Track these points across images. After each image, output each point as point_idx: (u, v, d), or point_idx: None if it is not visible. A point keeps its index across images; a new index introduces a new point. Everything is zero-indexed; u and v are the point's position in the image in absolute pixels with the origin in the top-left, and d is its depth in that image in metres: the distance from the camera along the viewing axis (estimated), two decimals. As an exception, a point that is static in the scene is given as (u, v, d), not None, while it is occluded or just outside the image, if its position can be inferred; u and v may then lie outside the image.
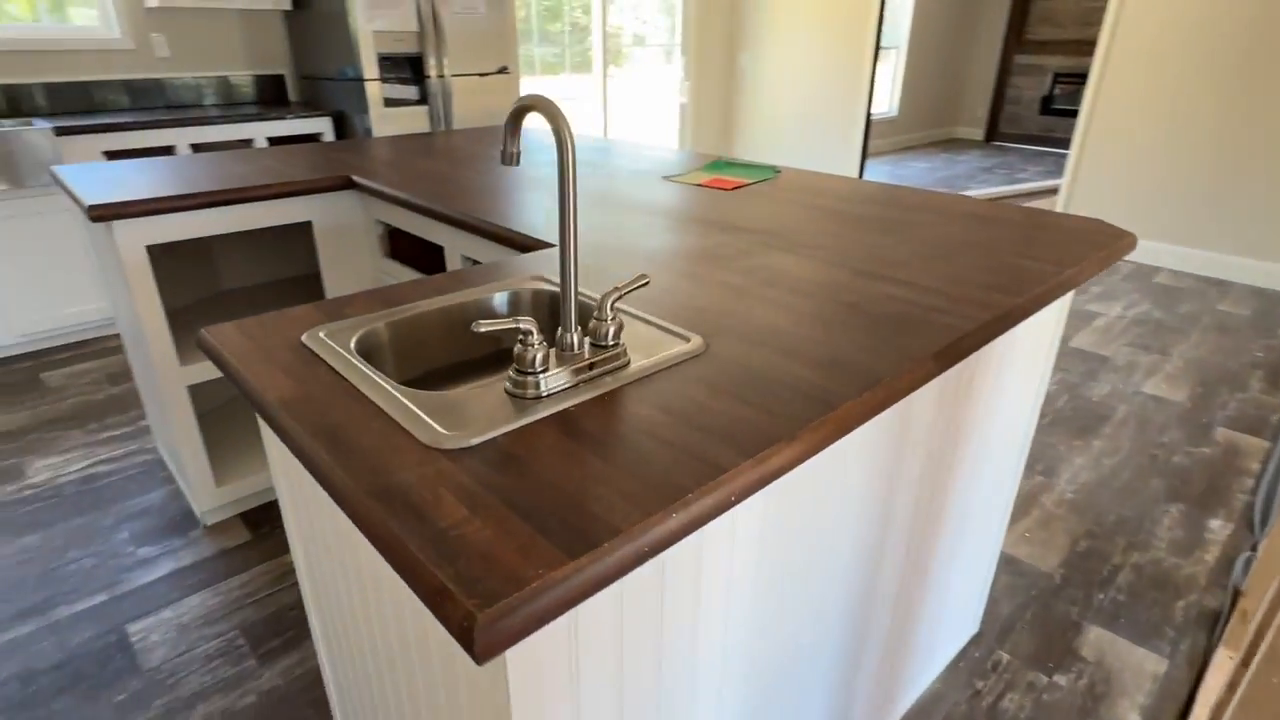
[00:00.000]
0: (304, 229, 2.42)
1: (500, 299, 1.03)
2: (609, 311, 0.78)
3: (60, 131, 2.84)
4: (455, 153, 2.17)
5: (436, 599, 0.48)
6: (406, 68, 3.46)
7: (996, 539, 1.53)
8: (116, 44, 3.34)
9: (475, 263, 1.47)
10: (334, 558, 0.87)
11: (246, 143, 3.39)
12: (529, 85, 4.99)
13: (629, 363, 0.80)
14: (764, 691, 0.92)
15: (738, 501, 0.62)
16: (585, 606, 0.59)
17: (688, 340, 0.86)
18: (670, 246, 1.26)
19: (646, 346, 0.85)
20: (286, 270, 2.42)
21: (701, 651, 0.76)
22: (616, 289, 0.80)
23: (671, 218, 1.46)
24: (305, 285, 2.34)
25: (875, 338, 0.87)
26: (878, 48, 5.38)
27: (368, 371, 0.77)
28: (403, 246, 1.96)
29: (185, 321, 2.07)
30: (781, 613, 0.88)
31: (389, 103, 3.43)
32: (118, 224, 1.57)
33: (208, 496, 1.92)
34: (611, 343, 0.79)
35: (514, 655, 0.53)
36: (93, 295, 3.08)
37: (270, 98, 3.84)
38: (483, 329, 0.68)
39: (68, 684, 1.49)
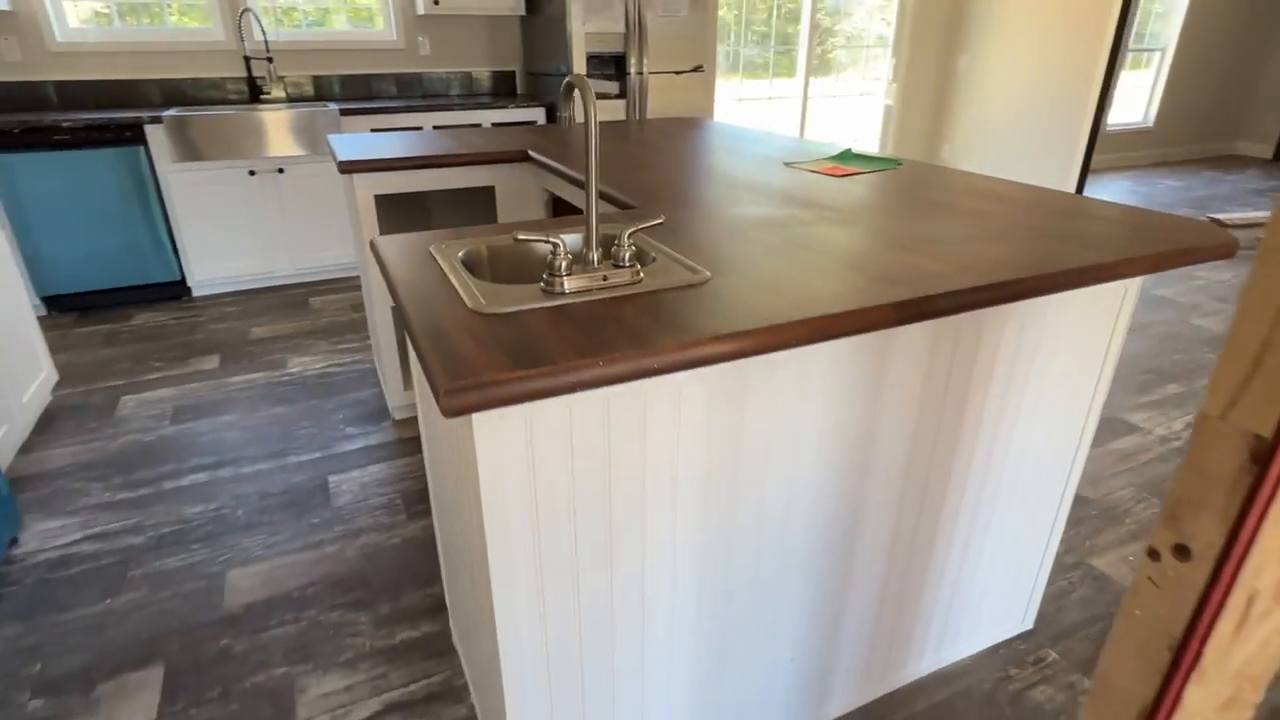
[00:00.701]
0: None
1: (573, 238, 1.32)
2: (626, 241, 1.04)
3: (344, 113, 3.65)
4: (621, 138, 2.51)
5: (431, 376, 0.78)
6: (611, 65, 3.90)
7: (1045, 538, 1.54)
8: (392, 45, 4.16)
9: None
10: (437, 444, 1.23)
11: (475, 126, 4.04)
12: (728, 85, 5.26)
13: (640, 281, 1.05)
14: (723, 576, 1.13)
15: (660, 371, 0.85)
16: (537, 408, 0.86)
17: (697, 274, 1.09)
18: (744, 214, 1.46)
19: (665, 274, 1.09)
20: (479, 223, 2.94)
21: (650, 497, 1.00)
22: (637, 226, 1.05)
23: (761, 193, 1.65)
24: (493, 243, 2.84)
25: (855, 289, 1.03)
26: (1117, 50, 4.90)
27: (453, 266, 1.10)
28: (563, 210, 2.33)
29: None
30: (734, 505, 1.08)
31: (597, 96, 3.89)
32: (356, 176, 2.11)
33: (398, 397, 2.45)
34: (627, 264, 1.04)
35: (479, 420, 0.82)
36: (349, 243, 3.90)
37: (502, 90, 4.51)
38: (519, 238, 0.97)
39: (285, 505, 2.06)
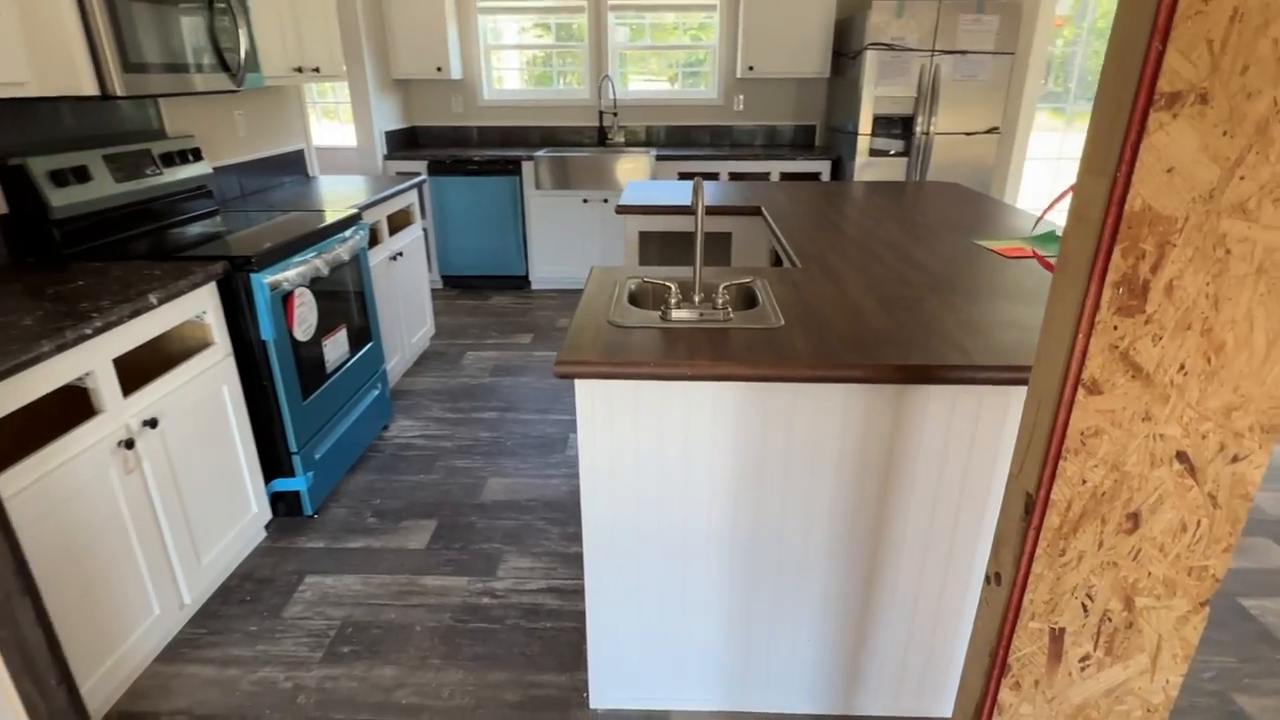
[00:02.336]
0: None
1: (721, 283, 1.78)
2: (721, 290, 1.50)
3: (659, 158, 4.50)
4: (858, 203, 2.85)
5: (561, 351, 1.35)
6: (898, 125, 4.14)
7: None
8: (712, 101, 4.93)
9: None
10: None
11: (765, 175, 4.60)
12: (1039, 141, 5.01)
13: (729, 320, 1.49)
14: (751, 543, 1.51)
15: (694, 378, 1.30)
16: (614, 384, 1.37)
17: (775, 322, 1.49)
18: (875, 275, 1.78)
19: (753, 318, 1.52)
20: (722, 261, 3.48)
21: (691, 468, 1.44)
22: (731, 282, 1.50)
23: (909, 263, 1.91)
24: (738, 277, 3.36)
25: (875, 351, 1.34)
26: None
27: (619, 292, 1.66)
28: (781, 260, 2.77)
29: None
30: (760, 497, 1.46)
31: (874, 153, 4.19)
32: (628, 217, 2.81)
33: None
34: (719, 307, 1.50)
35: (579, 384, 1.37)
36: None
37: (801, 142, 5.01)
38: (645, 280, 1.50)
39: (537, 445, 2.85)
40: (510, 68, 5.05)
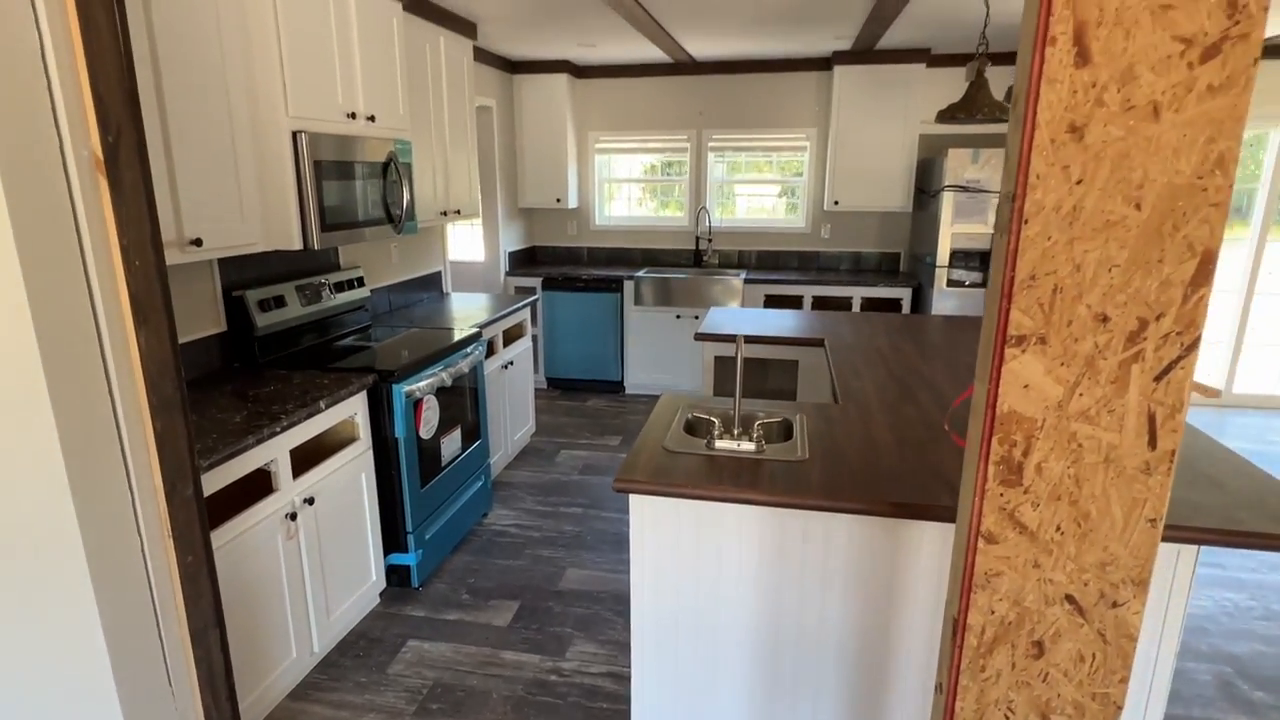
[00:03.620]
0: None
1: (759, 415, 2.10)
2: (755, 428, 1.82)
3: (746, 281, 4.92)
4: (916, 339, 3.11)
5: (618, 474, 1.71)
6: (975, 258, 4.37)
7: None
8: (800, 230, 5.35)
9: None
10: (662, 495, 2.14)
11: (847, 300, 4.91)
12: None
13: (762, 451, 1.81)
14: (775, 647, 1.75)
15: (723, 500, 1.62)
16: (660, 500, 1.70)
17: (803, 455, 1.79)
18: (903, 416, 2.04)
19: (783, 450, 1.82)
20: (787, 385, 3.77)
21: (722, 576, 1.73)
22: (764, 419, 1.82)
23: (942, 406, 2.15)
24: (787, 397, 3.64)
25: (882, 488, 1.61)
26: None
27: (675, 419, 2.01)
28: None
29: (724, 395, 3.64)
30: (779, 604, 1.71)
31: (951, 283, 4.42)
32: (704, 344, 3.20)
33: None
34: (753, 440, 1.82)
35: (634, 499, 1.71)
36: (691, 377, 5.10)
37: (884, 268, 5.30)
38: (691, 414, 1.85)
39: (613, 541, 3.17)
40: (619, 197, 5.73)
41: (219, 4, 2.13)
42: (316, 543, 2.28)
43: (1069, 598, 1.08)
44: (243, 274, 2.68)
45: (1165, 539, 1.44)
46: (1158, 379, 0.97)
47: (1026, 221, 0.95)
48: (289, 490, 2.14)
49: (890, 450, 1.82)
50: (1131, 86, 0.89)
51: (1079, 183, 0.93)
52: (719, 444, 1.84)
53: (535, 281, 5.21)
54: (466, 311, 3.71)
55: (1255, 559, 3.03)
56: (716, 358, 3.28)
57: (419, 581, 2.79)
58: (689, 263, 5.56)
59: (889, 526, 1.63)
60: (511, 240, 5.39)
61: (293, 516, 2.14)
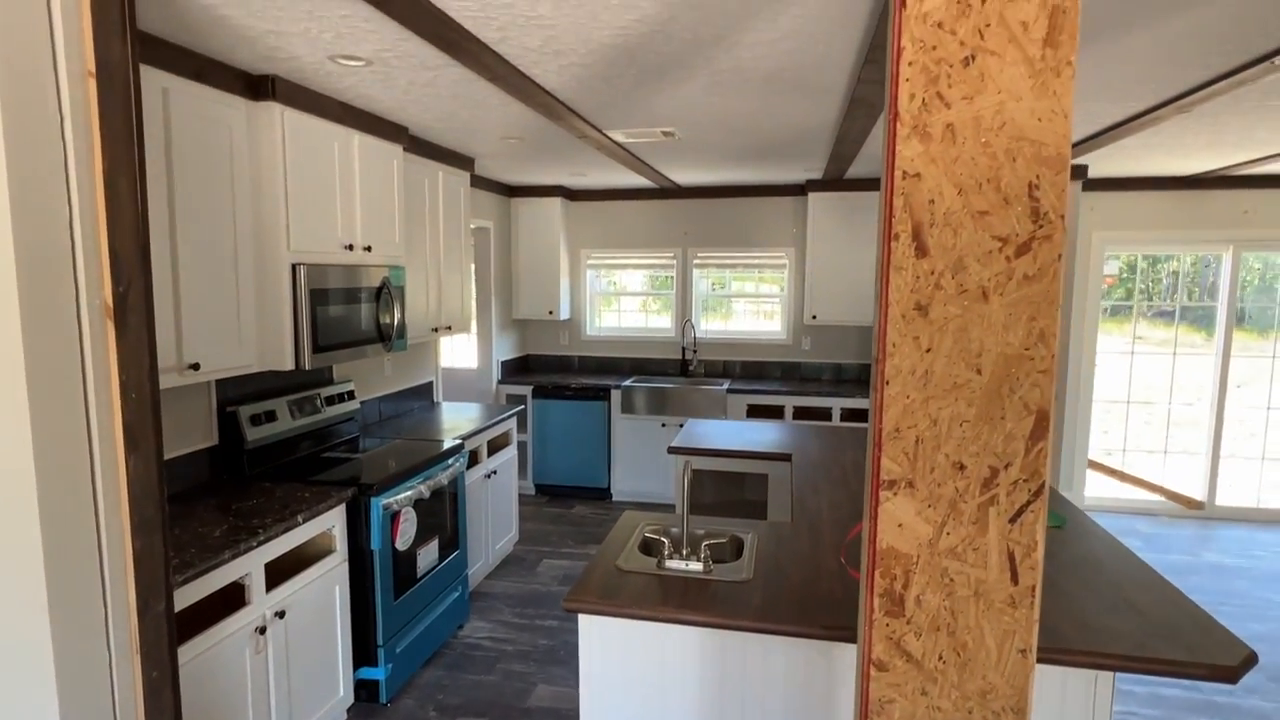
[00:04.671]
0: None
1: (710, 535, 2.20)
2: (702, 549, 1.92)
3: (729, 391, 5.09)
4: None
5: (568, 593, 1.80)
6: (947, 373, 4.54)
7: None
8: (783, 341, 5.58)
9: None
10: (621, 611, 2.20)
11: (827, 410, 5.05)
12: (1105, 373, 5.18)
13: (710, 571, 1.90)
14: (728, 770, 1.77)
15: (665, 621, 1.70)
16: (608, 620, 1.78)
17: (747, 575, 1.88)
18: (845, 539, 2.13)
19: (729, 570, 1.91)
20: (759, 497, 3.85)
21: (666, 690, 1.78)
22: (709, 544, 1.93)
23: (892, 528, 2.25)
24: (758, 510, 3.71)
25: (817, 609, 1.70)
26: None
27: (632, 537, 2.11)
28: (812, 501, 3.13)
29: (698, 507, 3.71)
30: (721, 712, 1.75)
31: (924, 396, 4.56)
32: (676, 456, 3.32)
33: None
34: (701, 559, 1.92)
35: (583, 618, 1.79)
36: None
37: (864, 379, 5.47)
38: (646, 534, 1.95)
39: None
40: (609, 309, 6.00)
41: (233, 157, 2.41)
42: (285, 656, 2.32)
43: (957, 725, 1.15)
44: (239, 389, 2.85)
45: (1083, 665, 1.51)
46: (1012, 521, 1.09)
47: (888, 382, 1.11)
48: (261, 604, 2.21)
49: (832, 573, 1.91)
50: (963, 274, 1.07)
51: (928, 351, 1.09)
52: (669, 564, 1.93)
53: (526, 390, 5.39)
54: (454, 421, 3.86)
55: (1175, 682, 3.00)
56: (691, 469, 3.39)
57: (387, 697, 2.79)
58: (675, 372, 5.75)
59: (823, 649, 1.70)
60: (505, 349, 5.62)
61: (262, 630, 2.20)
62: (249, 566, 2.16)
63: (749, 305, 5.79)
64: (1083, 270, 5.00)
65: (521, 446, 5.42)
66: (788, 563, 1.97)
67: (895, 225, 1.08)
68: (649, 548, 2.15)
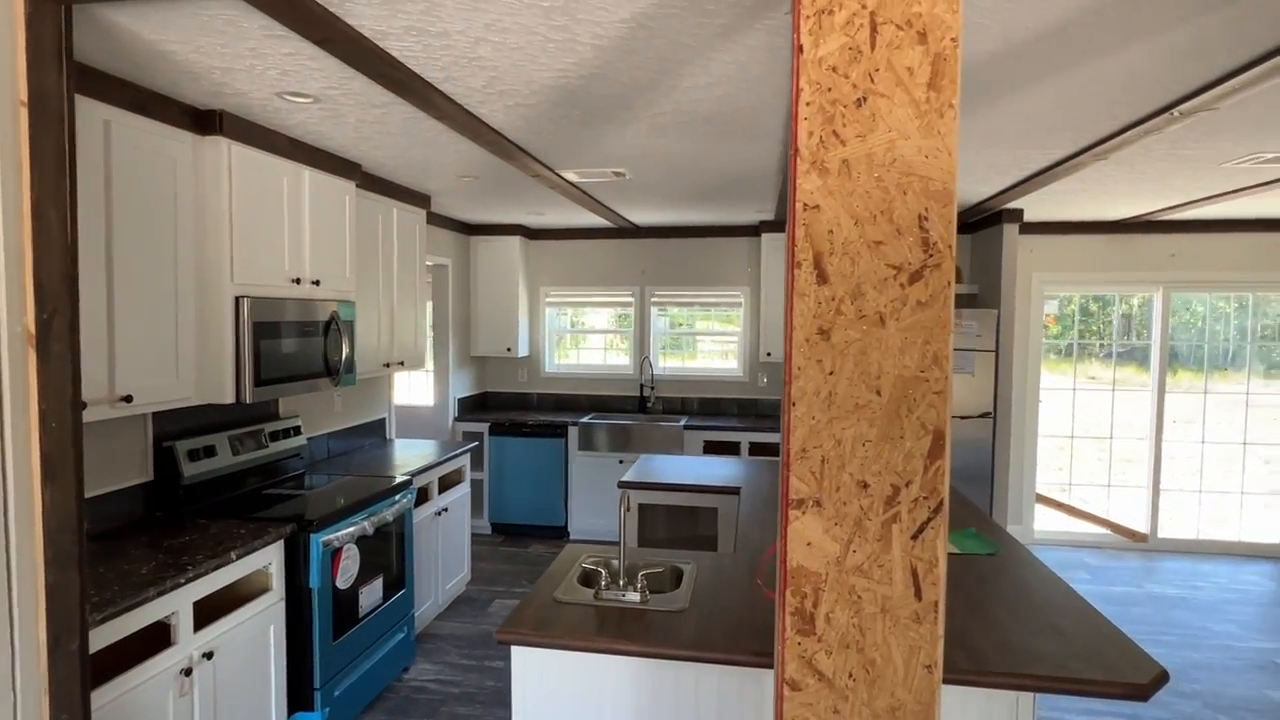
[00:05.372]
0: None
1: (647, 565, 2.20)
2: (639, 579, 1.92)
3: (686, 427, 5.12)
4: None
5: (501, 626, 1.79)
6: (896, 408, 4.64)
7: None
8: (739, 378, 5.65)
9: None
10: (561, 646, 2.18)
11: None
12: (1049, 411, 5.34)
13: (646, 601, 1.90)
14: (663, 805, 1.75)
15: (596, 651, 1.69)
16: (541, 651, 1.76)
17: (682, 605, 1.88)
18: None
19: (666, 600, 1.91)
20: (711, 531, 3.86)
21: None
22: (646, 574, 1.93)
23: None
24: (709, 543, 3.72)
25: (749, 636, 1.70)
26: None
27: (571, 569, 2.10)
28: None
29: (649, 541, 3.70)
30: (671, 758, 1.73)
31: (875, 431, 4.65)
32: (628, 491, 3.32)
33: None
34: (638, 590, 1.92)
35: (515, 650, 1.77)
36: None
37: (819, 415, 5.55)
38: (584, 564, 1.95)
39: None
40: (568, 346, 6.03)
41: (178, 189, 2.41)
42: (213, 699, 2.24)
43: (869, 743, 1.17)
44: (178, 424, 2.80)
45: (1005, 686, 1.54)
46: (914, 537, 1.13)
47: (794, 404, 1.15)
48: (188, 644, 2.14)
49: (767, 601, 1.93)
50: (861, 300, 1.12)
51: (831, 373, 1.14)
52: (605, 594, 1.93)
53: (483, 427, 5.35)
54: (404, 458, 3.81)
55: (1116, 713, 3.05)
56: (641, 505, 3.39)
57: (324, 743, 2.70)
58: (634, 409, 5.78)
59: (755, 675, 1.70)
60: (463, 386, 5.59)
61: (188, 672, 2.12)
62: (175, 605, 2.09)
63: (708, 343, 5.88)
64: (1023, 310, 5.19)
65: (478, 484, 5.36)
66: (725, 592, 1.98)
67: (798, 254, 1.14)
68: (589, 579, 2.14)
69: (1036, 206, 4.49)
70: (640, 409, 5.73)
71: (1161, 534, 5.24)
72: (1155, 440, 5.24)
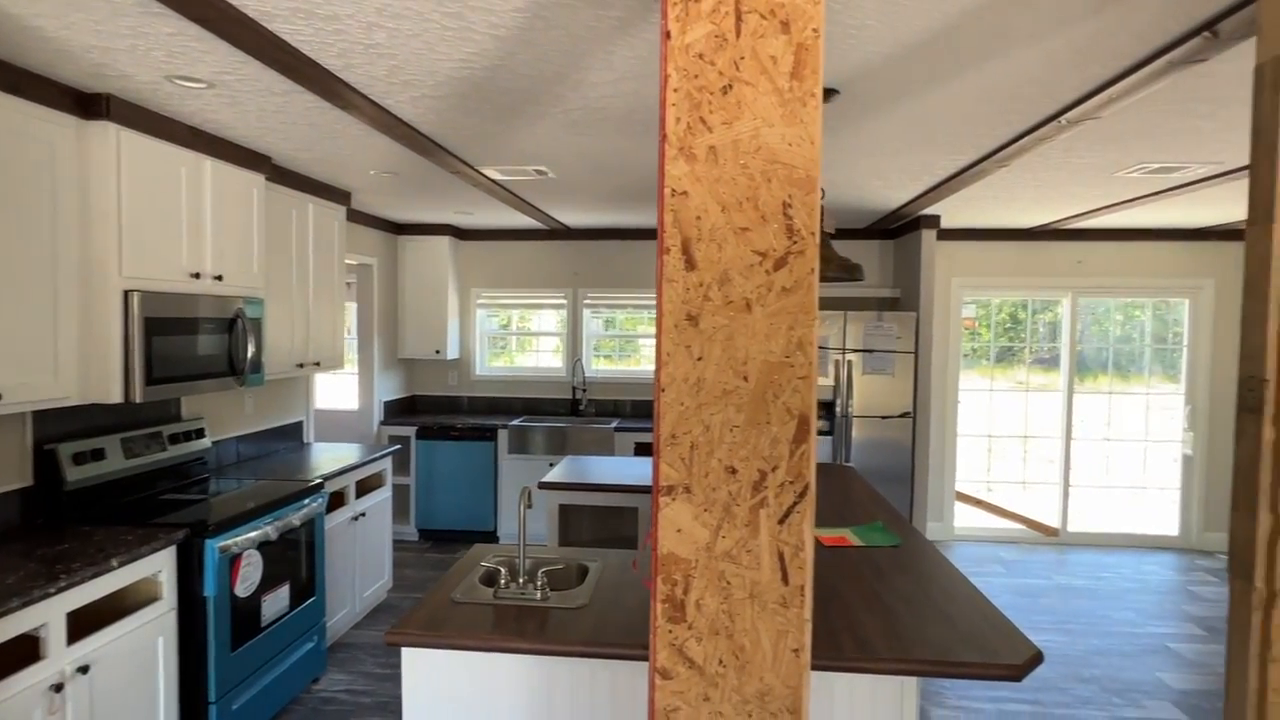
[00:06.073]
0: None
1: (550, 561, 2.17)
2: (539, 577, 1.90)
3: (617, 429, 5.11)
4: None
5: (391, 628, 1.73)
6: (821, 408, 4.74)
7: None
8: (671, 381, 5.67)
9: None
10: (465, 648, 2.13)
11: (712, 446, 5.13)
12: (967, 415, 5.54)
13: (547, 599, 1.87)
14: (559, 806, 1.72)
15: (489, 649, 1.65)
16: (434, 652, 1.72)
17: (583, 602, 1.86)
18: (692, 566, 2.15)
19: (568, 598, 1.89)
20: (634, 532, 3.86)
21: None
22: (543, 569, 1.90)
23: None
24: (632, 544, 3.72)
25: (641, 633, 1.69)
26: None
27: (470, 567, 2.06)
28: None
29: (572, 542, 3.68)
30: (567, 757, 1.71)
31: (801, 432, 4.73)
32: (547, 492, 3.29)
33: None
34: (538, 587, 1.89)
35: (406, 654, 1.72)
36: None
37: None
38: (484, 563, 1.91)
39: (448, 704, 3.03)
40: (498, 348, 5.96)
41: (56, 176, 2.28)
42: (89, 716, 2.10)
43: (738, 729, 1.17)
44: (63, 425, 2.63)
45: (889, 672, 1.57)
46: (780, 522, 1.14)
47: (664, 390, 1.15)
48: (59, 658, 2.01)
49: (668, 594, 1.92)
50: (729, 286, 1.13)
51: (700, 359, 1.14)
52: (505, 593, 1.89)
53: (410, 430, 5.23)
54: (320, 462, 3.68)
55: (1018, 698, 3.17)
56: (560, 506, 3.36)
57: (220, 760, 2.57)
58: (566, 412, 5.73)
59: (646, 669, 1.69)
60: (389, 389, 5.45)
61: (59, 688, 1.99)
62: (45, 616, 1.96)
63: (649, 347, 5.88)
64: (942, 313, 5.37)
65: (404, 490, 5.23)
66: (628, 589, 1.97)
67: (667, 240, 1.14)
68: (490, 578, 2.10)
69: (954, 214, 4.65)
70: (572, 411, 5.69)
71: (1071, 528, 5.48)
72: (1065, 440, 5.48)
